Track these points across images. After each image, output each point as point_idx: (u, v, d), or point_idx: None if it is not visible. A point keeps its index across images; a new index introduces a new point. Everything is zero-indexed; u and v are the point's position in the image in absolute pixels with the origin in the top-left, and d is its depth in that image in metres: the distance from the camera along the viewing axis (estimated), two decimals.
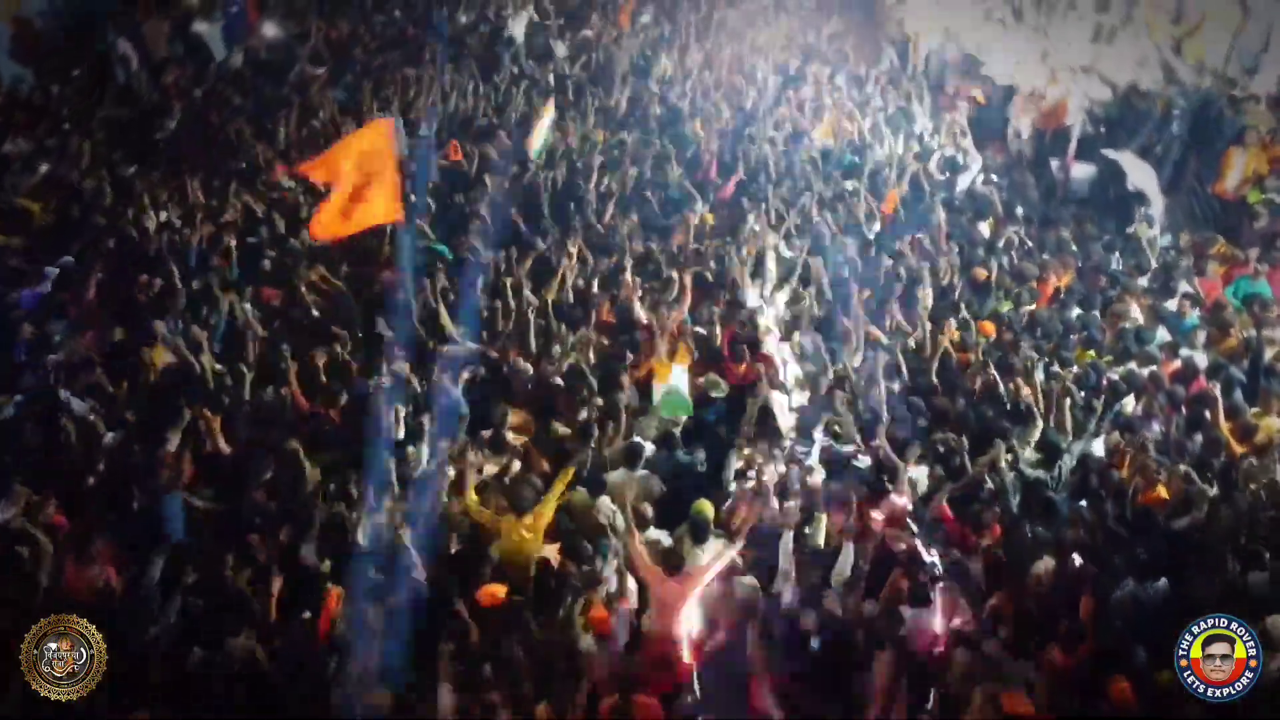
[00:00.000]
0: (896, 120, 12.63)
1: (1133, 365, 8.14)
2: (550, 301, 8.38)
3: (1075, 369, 7.99)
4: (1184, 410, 7.61)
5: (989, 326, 8.75)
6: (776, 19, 16.48)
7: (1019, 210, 10.72)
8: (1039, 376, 7.65)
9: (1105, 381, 7.98)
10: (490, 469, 6.81)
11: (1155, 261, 9.49)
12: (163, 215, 10.08)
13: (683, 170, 10.93)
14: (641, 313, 8.41)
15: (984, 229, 10.25)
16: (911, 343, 8.11)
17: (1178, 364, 8.06)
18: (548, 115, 10.73)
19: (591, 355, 7.89)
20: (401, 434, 7.08)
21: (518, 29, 14.79)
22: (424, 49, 14.79)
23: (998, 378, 7.60)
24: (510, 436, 7.10)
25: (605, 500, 6.67)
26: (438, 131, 11.97)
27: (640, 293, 8.57)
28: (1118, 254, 9.72)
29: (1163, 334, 8.53)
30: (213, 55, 14.52)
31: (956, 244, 9.69)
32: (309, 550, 5.96)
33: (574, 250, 8.94)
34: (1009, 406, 7.47)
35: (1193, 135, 10.84)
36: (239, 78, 14.07)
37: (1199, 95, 10.86)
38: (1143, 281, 9.27)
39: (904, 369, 7.76)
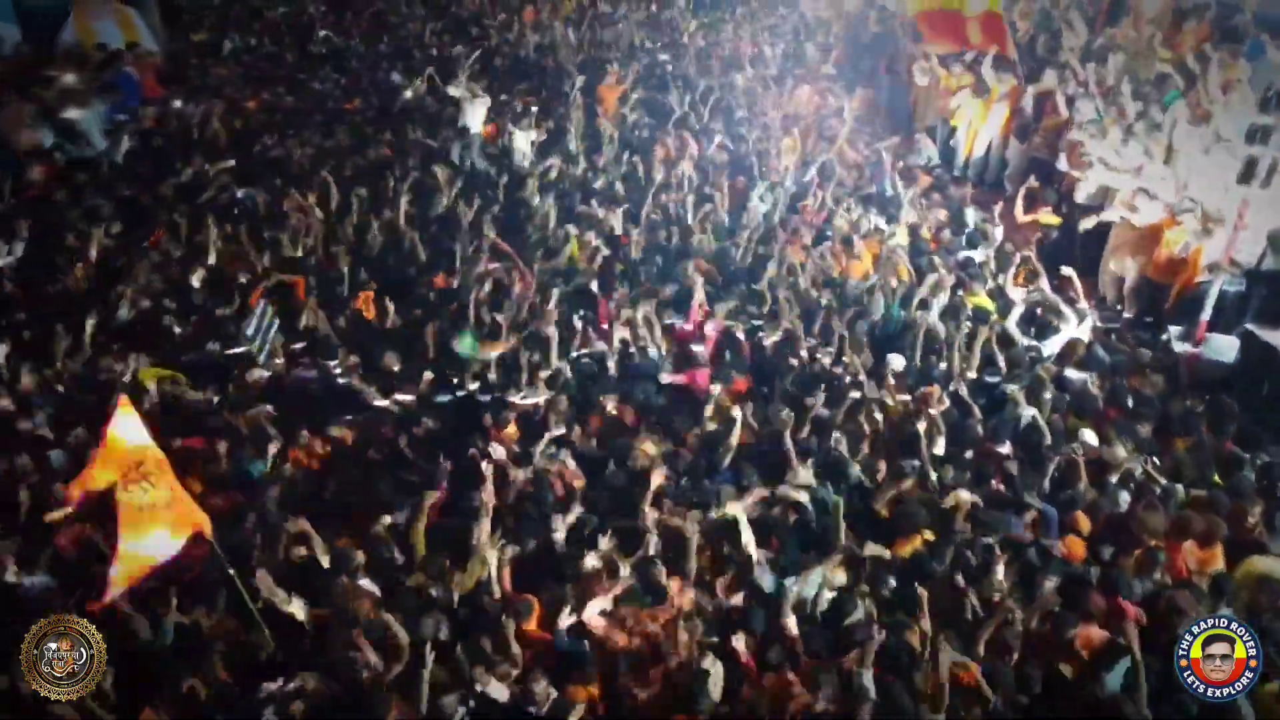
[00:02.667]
0: (952, 246, 9.71)
1: None
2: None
3: None
4: None
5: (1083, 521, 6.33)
6: (791, 94, 13.48)
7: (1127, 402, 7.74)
8: None
9: None
10: None
11: None
12: None
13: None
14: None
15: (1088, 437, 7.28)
16: None
17: None
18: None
19: None
20: None
21: (474, 119, 11.88)
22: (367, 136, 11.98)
23: None
24: None
25: None
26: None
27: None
28: None
29: None
30: (93, 145, 11.71)
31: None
32: None
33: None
34: None
35: None
36: (116, 175, 11.24)
37: None
38: None
39: None
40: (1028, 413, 7.37)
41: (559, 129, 11.88)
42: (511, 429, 7.16)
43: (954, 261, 9.46)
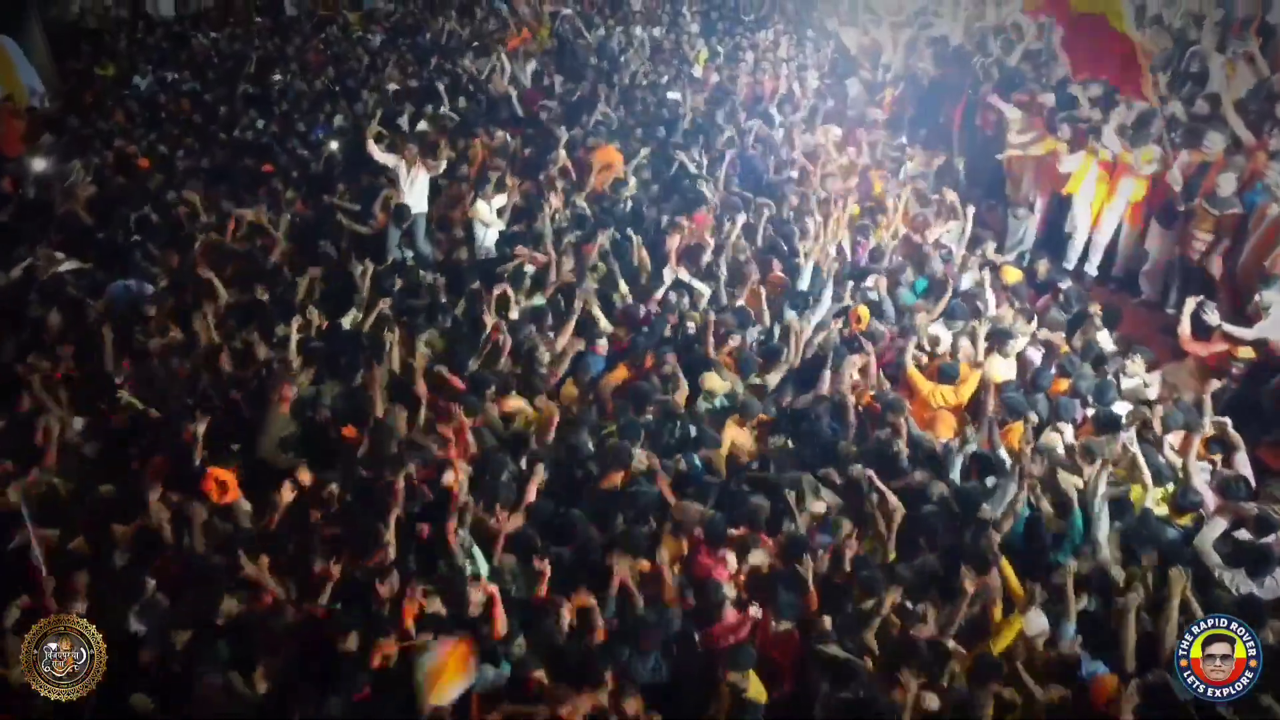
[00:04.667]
0: (1084, 388, 6.62)
1: None
2: None
3: None
4: None
5: None
6: (833, 149, 10.42)
7: None
8: None
9: None
10: None
11: None
12: None
13: None
14: None
15: None
16: None
17: None
18: None
19: None
20: None
21: (417, 193, 8.88)
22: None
23: None
24: None
25: None
26: None
27: None
28: None
29: None
30: None
31: None
32: None
33: None
34: None
35: None
36: None
37: None
38: None
39: None
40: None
41: (533, 204, 8.86)
42: None
43: (1083, 417, 6.43)
